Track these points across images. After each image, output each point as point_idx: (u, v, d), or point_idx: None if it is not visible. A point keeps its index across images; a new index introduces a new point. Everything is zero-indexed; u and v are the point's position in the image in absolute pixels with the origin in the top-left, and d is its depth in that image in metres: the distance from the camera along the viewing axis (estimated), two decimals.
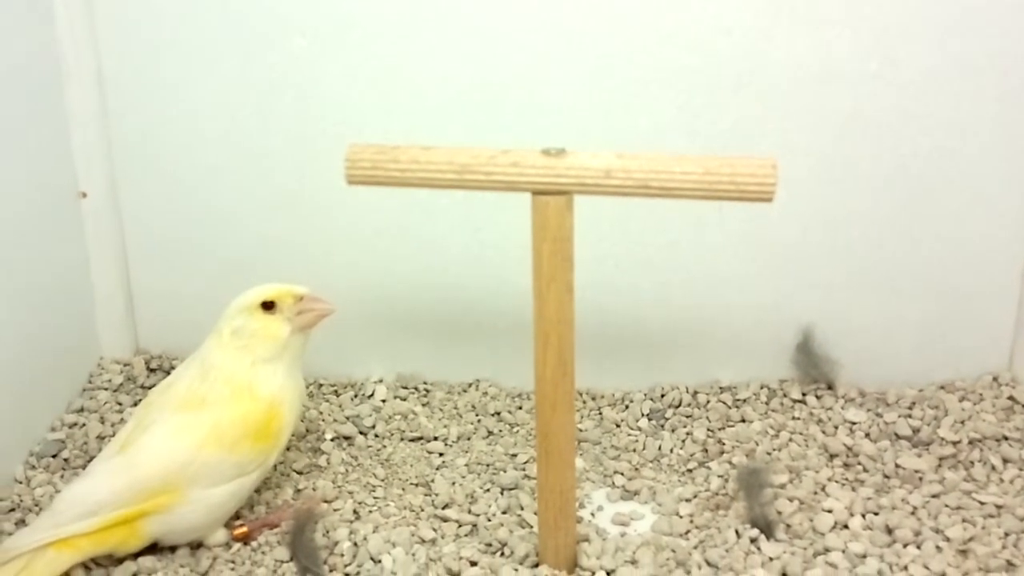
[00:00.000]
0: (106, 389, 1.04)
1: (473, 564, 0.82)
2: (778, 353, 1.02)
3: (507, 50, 0.94)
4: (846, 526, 0.86)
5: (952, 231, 0.98)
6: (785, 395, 1.02)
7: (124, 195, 1.03)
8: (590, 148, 0.72)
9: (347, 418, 1.01)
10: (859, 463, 0.93)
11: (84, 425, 0.99)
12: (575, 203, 0.72)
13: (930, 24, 0.91)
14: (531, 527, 0.86)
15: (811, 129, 0.95)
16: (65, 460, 0.95)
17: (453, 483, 0.92)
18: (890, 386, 1.02)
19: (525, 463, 0.95)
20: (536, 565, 0.82)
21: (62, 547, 0.79)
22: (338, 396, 1.04)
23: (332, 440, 0.99)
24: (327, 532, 0.85)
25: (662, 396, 1.03)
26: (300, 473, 0.94)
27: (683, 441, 0.98)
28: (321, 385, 1.06)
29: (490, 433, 1.00)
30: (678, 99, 0.94)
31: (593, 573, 0.81)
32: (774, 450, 0.95)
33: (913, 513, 0.87)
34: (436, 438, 0.99)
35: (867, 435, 0.97)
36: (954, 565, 0.81)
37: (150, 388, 0.94)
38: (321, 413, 1.02)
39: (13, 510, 0.89)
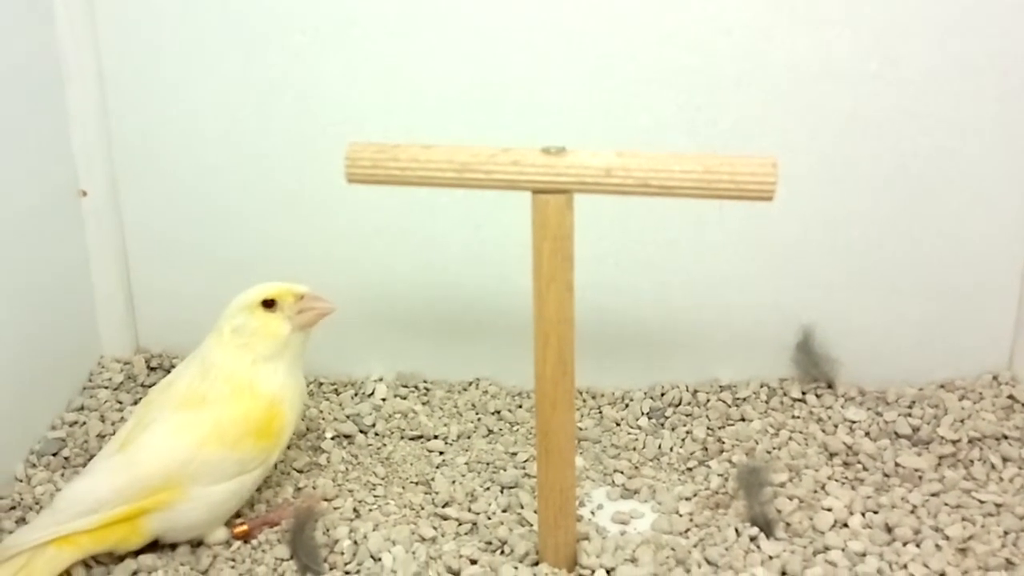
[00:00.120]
0: (106, 388, 1.04)
1: (473, 562, 0.82)
2: (778, 352, 1.02)
3: (507, 49, 0.94)
4: (846, 525, 0.86)
5: (952, 231, 0.98)
6: (785, 394, 1.02)
7: (124, 194, 1.03)
8: (590, 147, 0.72)
9: (347, 416, 1.01)
10: (859, 462, 0.93)
11: (84, 423, 0.99)
12: (575, 202, 0.72)
13: (930, 24, 0.91)
14: (531, 525, 0.86)
15: (811, 128, 0.95)
16: (65, 458, 0.95)
17: (453, 481, 0.92)
18: (890, 385, 1.02)
19: (525, 462, 0.95)
20: (536, 563, 0.82)
21: (63, 545, 0.79)
22: (338, 394, 1.04)
23: (332, 438, 0.99)
24: (327, 530, 0.85)
25: (662, 395, 1.03)
26: (300, 471, 0.95)
27: (683, 440, 0.98)
28: (321, 384, 1.06)
29: (490, 432, 1.00)
30: (678, 98, 0.95)
31: (593, 571, 0.81)
32: (774, 449, 0.95)
33: (913, 512, 0.87)
34: (436, 437, 0.99)
35: (867, 434, 0.97)
36: (953, 564, 0.81)
37: (150, 387, 0.94)
38: (321, 412, 1.02)
39: (14, 508, 0.89)
